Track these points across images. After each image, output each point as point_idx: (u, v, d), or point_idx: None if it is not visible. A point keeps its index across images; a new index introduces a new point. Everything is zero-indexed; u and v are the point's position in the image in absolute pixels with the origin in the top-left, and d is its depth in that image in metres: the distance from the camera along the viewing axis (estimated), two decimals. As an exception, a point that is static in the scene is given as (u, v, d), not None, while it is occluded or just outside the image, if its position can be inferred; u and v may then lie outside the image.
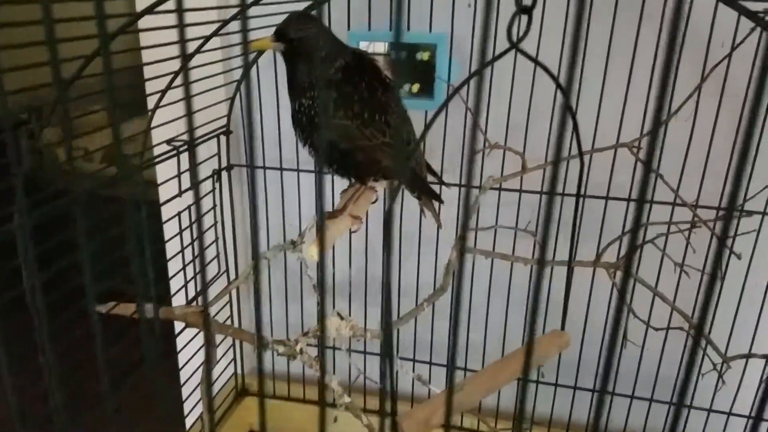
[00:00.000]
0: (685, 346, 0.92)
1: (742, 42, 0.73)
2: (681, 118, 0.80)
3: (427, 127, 0.63)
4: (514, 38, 0.50)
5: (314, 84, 0.67)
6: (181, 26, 0.23)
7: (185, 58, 0.23)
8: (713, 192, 0.84)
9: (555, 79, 0.58)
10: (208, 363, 0.91)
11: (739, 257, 0.78)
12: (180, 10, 0.22)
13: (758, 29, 0.70)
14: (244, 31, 0.40)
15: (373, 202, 0.86)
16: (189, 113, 0.23)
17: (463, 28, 0.87)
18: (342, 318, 0.91)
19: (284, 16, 0.67)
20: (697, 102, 0.79)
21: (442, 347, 1.05)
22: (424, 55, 0.86)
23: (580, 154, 0.72)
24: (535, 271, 0.22)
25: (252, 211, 1.08)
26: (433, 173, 0.82)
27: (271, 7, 0.80)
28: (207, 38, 0.79)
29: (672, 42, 0.17)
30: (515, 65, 0.86)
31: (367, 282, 1.04)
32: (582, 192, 0.68)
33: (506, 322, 1.00)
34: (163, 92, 0.80)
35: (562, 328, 0.75)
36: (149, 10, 0.61)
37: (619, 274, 0.86)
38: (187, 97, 0.23)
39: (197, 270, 0.98)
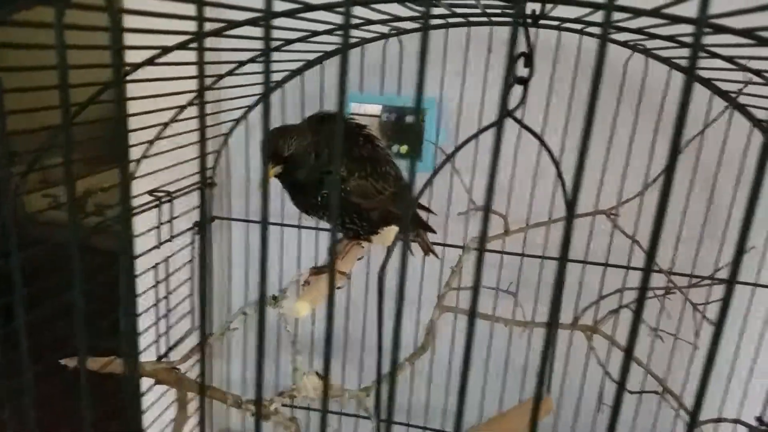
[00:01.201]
0: (659, 408, 0.93)
1: (715, 120, 0.78)
2: (657, 189, 0.85)
3: (422, 189, 0.65)
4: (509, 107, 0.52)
5: (318, 177, 0.68)
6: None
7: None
8: (687, 257, 0.88)
9: (547, 148, 0.60)
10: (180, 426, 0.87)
11: (712, 324, 0.81)
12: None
13: (730, 108, 0.76)
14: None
15: (359, 259, 0.86)
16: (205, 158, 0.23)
17: (452, 94, 0.90)
18: (321, 377, 0.89)
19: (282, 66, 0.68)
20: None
21: (420, 408, 1.03)
22: (413, 119, 0.89)
23: (569, 219, 0.74)
24: (545, 333, 0.22)
25: (262, 263, 1.06)
26: (423, 206, 0.84)
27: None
28: (201, 91, 0.79)
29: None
30: (499, 131, 0.89)
31: (346, 340, 1.03)
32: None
33: (485, 385, 1.00)
34: (151, 142, 0.79)
35: (546, 392, 0.76)
36: (150, 62, 0.61)
37: (595, 336, 0.88)
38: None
39: (170, 325, 0.95)
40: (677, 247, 0.88)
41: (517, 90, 0.49)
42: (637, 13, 0.51)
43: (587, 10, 0.55)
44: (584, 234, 0.91)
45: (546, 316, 0.92)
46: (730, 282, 0.24)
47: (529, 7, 0.55)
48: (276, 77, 0.90)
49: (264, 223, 0.25)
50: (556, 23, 0.72)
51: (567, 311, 0.91)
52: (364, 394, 0.87)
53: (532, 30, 0.50)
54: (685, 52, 0.66)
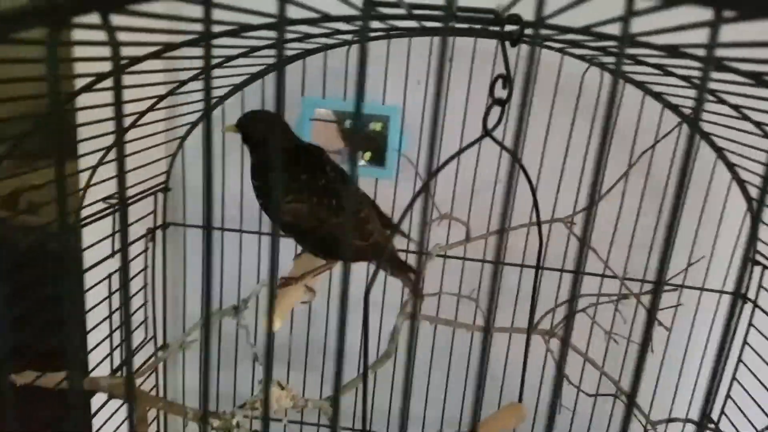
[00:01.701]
0: (612, 409, 0.97)
1: (668, 134, 0.82)
2: (611, 198, 0.88)
3: (406, 209, 0.65)
4: (489, 126, 0.54)
5: (261, 168, 0.73)
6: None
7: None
8: (639, 264, 0.92)
9: (521, 166, 0.62)
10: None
11: (667, 328, 0.85)
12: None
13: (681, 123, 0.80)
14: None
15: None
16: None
17: (415, 102, 0.91)
18: (282, 388, 0.88)
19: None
20: (625, 183, 0.87)
21: (382, 415, 1.03)
22: (376, 126, 0.89)
23: (540, 228, 0.76)
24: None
25: (206, 271, 1.03)
26: (402, 233, 0.83)
27: (227, 69, 0.80)
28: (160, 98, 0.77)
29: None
30: (461, 141, 0.90)
31: (308, 348, 1.02)
32: (541, 264, 0.72)
33: (446, 389, 1.01)
34: (108, 149, 0.76)
35: (519, 399, 0.77)
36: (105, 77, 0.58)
37: (553, 340, 0.90)
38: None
39: (123, 336, 0.91)
40: (629, 253, 0.92)
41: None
42: (564, 30, 0.53)
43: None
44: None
45: (506, 322, 0.94)
46: (657, 283, 0.26)
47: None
48: (235, 80, 0.88)
49: (208, 227, 0.25)
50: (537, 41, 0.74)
51: (525, 317, 0.93)
52: (327, 403, 0.87)
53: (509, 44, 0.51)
54: (638, 67, 0.69)
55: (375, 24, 0.73)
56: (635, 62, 0.63)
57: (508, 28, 0.46)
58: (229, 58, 0.73)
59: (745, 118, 0.63)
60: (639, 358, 0.26)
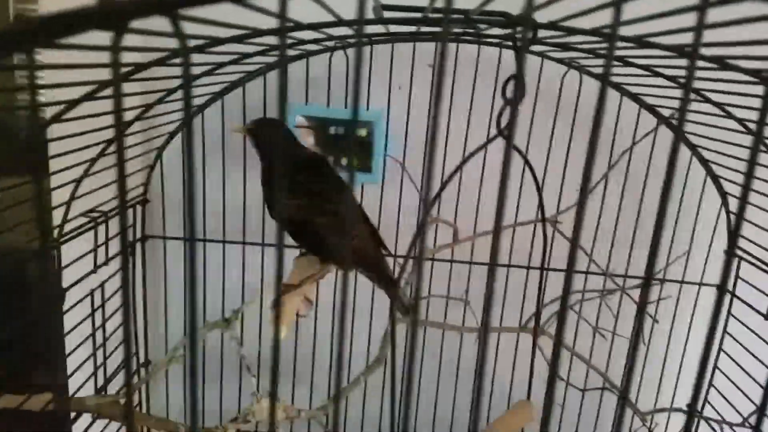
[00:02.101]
0: (600, 401, 0.99)
1: (646, 135, 0.84)
2: (592, 197, 0.90)
3: (420, 230, 0.65)
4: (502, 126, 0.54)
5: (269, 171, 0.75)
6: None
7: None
8: (621, 260, 0.94)
9: (530, 166, 0.63)
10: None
11: (656, 320, 0.87)
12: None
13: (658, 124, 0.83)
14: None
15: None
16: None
17: (400, 106, 0.91)
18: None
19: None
20: (606, 183, 0.90)
21: (373, 423, 1.03)
22: (361, 132, 0.89)
23: (544, 229, 0.77)
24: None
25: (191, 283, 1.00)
26: (385, 247, 0.83)
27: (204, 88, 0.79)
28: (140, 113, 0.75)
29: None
30: (446, 147, 0.91)
31: (295, 359, 1.00)
32: (546, 264, 0.73)
33: (437, 391, 1.01)
34: (92, 161, 0.73)
35: (528, 397, 0.78)
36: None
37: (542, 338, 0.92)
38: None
39: (107, 354, 0.88)
40: (611, 251, 0.94)
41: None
42: (570, 32, 0.54)
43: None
44: (527, 241, 0.95)
45: (495, 322, 0.95)
46: (647, 278, 0.27)
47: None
48: (215, 89, 0.87)
49: (191, 240, 0.24)
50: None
51: (514, 316, 0.95)
52: (321, 412, 0.85)
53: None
54: (619, 69, 0.71)
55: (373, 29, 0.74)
56: (624, 64, 0.65)
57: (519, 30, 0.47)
58: (213, 69, 0.72)
59: (729, 116, 0.66)
60: (631, 355, 0.27)
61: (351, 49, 0.86)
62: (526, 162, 0.57)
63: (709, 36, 0.29)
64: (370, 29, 0.75)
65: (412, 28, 0.63)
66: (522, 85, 0.48)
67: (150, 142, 0.92)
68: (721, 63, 0.45)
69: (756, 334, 0.83)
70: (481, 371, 0.25)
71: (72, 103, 0.51)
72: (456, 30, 0.72)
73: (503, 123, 0.52)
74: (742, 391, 0.83)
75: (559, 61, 0.84)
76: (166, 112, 0.82)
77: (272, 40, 0.60)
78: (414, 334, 0.25)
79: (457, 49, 0.89)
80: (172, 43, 0.24)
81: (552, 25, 0.48)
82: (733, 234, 0.82)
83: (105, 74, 0.50)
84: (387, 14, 0.52)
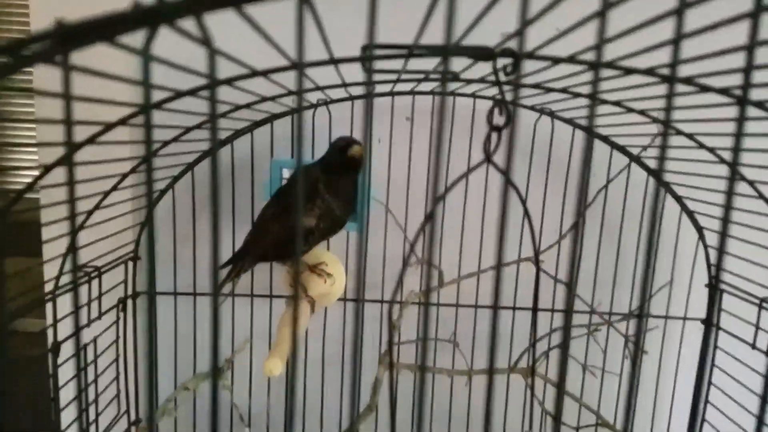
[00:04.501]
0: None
1: (618, 175, 0.88)
2: (570, 237, 0.93)
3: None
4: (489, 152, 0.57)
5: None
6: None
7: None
8: (604, 299, 0.96)
9: (521, 196, 0.66)
10: None
11: (645, 352, 0.88)
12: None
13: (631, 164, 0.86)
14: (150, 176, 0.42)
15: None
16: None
17: (380, 158, 0.95)
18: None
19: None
20: (583, 224, 0.93)
21: (367, 473, 1.01)
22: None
23: (538, 268, 0.79)
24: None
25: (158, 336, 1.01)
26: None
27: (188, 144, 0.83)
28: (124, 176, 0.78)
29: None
30: (428, 189, 0.94)
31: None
32: (549, 306, 0.74)
33: (431, 439, 1.00)
34: (88, 215, 0.76)
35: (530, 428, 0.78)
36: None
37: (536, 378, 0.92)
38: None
39: (99, 412, 0.87)
40: (594, 289, 0.96)
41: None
42: (555, 60, 0.58)
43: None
44: (511, 282, 0.97)
45: (484, 363, 0.95)
46: (639, 316, 0.29)
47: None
48: (203, 146, 0.90)
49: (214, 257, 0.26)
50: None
51: (503, 356, 0.95)
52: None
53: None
54: (584, 112, 0.75)
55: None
56: (599, 102, 0.69)
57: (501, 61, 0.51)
58: (203, 122, 0.76)
59: (701, 146, 0.69)
60: (630, 390, 0.28)
61: (333, 105, 0.91)
62: (514, 187, 0.59)
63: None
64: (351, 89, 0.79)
65: (390, 86, 0.67)
66: (508, 111, 0.52)
67: (139, 199, 0.94)
68: (692, 83, 0.48)
69: (745, 365, 0.83)
70: (488, 415, 0.26)
71: (75, 146, 0.54)
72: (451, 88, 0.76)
73: (491, 148, 0.55)
74: (735, 422, 0.83)
75: (532, 108, 0.89)
76: (157, 168, 0.85)
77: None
78: (422, 379, 0.26)
79: (433, 99, 0.93)
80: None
81: (532, 55, 0.52)
82: (717, 268, 0.85)
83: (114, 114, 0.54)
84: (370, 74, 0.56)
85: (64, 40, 0.23)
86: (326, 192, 0.77)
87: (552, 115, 0.90)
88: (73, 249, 0.27)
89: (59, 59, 0.24)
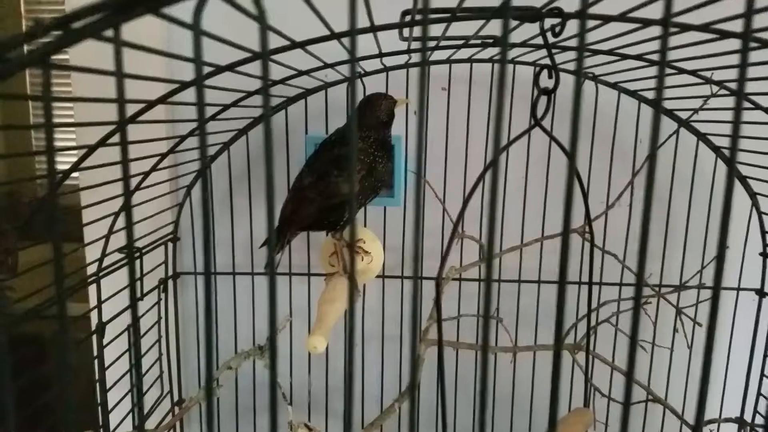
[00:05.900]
0: (645, 415, 0.95)
1: (667, 139, 0.84)
2: (618, 208, 0.89)
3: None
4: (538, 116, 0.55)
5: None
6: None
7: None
8: (654, 270, 0.93)
9: (569, 155, 0.63)
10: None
11: (700, 325, 0.84)
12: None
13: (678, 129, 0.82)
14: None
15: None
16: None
17: (416, 131, 0.92)
18: (310, 429, 0.85)
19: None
20: (632, 192, 0.89)
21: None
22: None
23: (592, 240, 0.76)
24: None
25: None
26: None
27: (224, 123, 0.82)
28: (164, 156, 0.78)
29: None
30: (451, 153, 0.92)
31: (327, 392, 1.00)
32: (596, 280, 0.71)
33: (474, 418, 0.99)
34: (130, 195, 0.76)
35: (585, 404, 0.76)
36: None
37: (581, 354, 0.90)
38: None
39: (142, 392, 0.88)
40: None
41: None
42: (606, 19, 0.55)
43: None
44: (554, 255, 0.94)
45: (529, 340, 0.93)
46: (715, 288, 0.26)
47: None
48: (239, 124, 0.89)
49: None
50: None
51: (548, 333, 0.93)
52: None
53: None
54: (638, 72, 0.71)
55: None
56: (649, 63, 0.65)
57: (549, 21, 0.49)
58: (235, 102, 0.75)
59: (756, 106, 0.65)
60: (704, 369, 0.26)
61: (368, 77, 0.88)
62: (565, 152, 0.57)
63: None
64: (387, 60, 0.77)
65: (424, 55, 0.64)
66: (557, 74, 0.49)
67: (176, 180, 0.94)
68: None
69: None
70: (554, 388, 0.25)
71: (125, 123, 0.53)
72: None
73: (539, 112, 0.53)
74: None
75: (575, 72, 0.85)
76: (192, 148, 0.84)
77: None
78: (485, 360, 0.25)
79: (471, 67, 0.90)
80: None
81: (582, 15, 0.49)
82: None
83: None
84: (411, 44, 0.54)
85: (116, 12, 0.22)
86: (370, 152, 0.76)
87: (595, 79, 0.87)
88: (129, 223, 0.25)
89: (109, 33, 0.24)
